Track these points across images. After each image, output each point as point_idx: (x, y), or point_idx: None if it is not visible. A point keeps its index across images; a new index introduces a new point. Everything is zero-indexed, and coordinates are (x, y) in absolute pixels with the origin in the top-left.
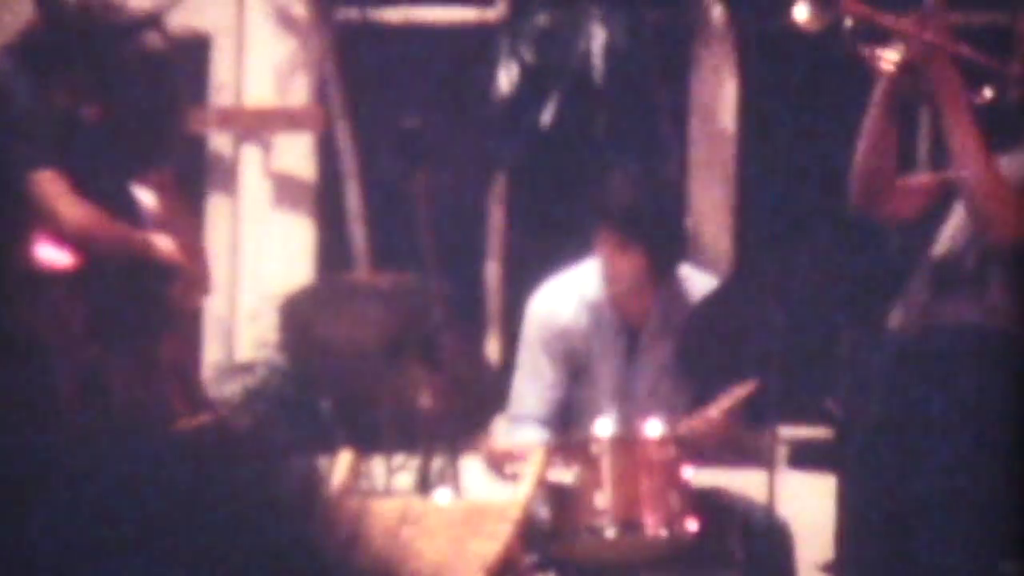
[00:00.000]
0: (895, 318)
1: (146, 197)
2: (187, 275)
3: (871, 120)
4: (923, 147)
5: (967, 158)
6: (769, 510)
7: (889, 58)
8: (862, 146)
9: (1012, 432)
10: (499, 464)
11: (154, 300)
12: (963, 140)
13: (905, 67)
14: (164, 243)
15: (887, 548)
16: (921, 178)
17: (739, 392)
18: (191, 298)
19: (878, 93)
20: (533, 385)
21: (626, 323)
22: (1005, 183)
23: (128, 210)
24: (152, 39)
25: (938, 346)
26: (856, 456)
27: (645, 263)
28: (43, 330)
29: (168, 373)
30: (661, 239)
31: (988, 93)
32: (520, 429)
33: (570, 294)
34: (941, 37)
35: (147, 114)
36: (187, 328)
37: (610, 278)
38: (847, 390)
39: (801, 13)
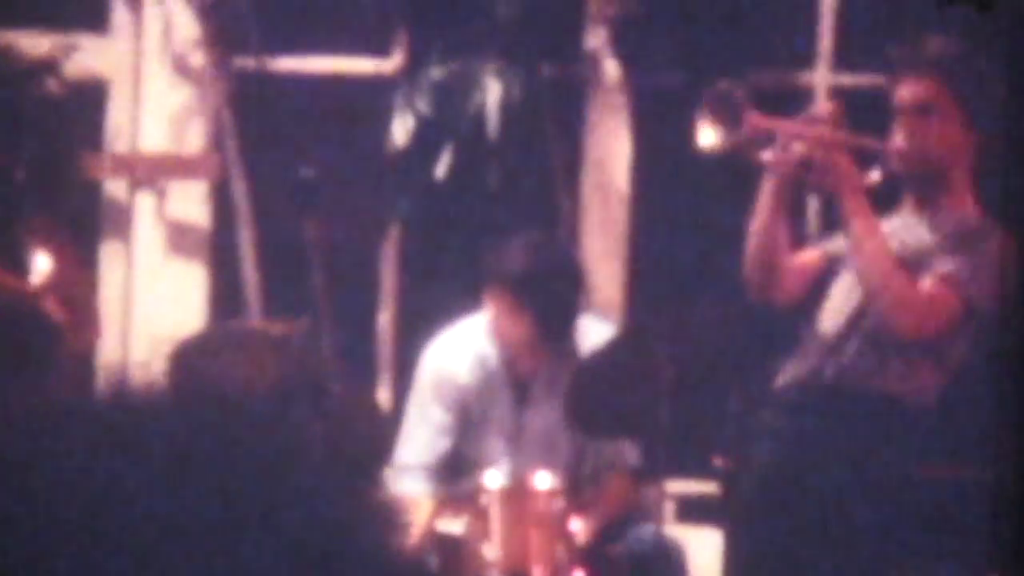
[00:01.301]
0: (785, 375)
1: (39, 257)
2: (74, 320)
3: (761, 215)
4: (812, 219)
5: (868, 254)
6: (658, 531)
7: (786, 158)
8: (753, 241)
9: (894, 489)
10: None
11: (42, 356)
12: (863, 234)
13: (802, 163)
14: (49, 299)
15: None
16: (810, 255)
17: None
18: (81, 343)
19: (768, 190)
20: (422, 432)
21: (518, 376)
22: (907, 280)
23: (18, 263)
24: (49, 84)
25: (826, 404)
26: (743, 509)
27: (535, 327)
28: None
29: None
30: (552, 307)
31: (876, 175)
32: (405, 478)
33: (463, 347)
34: (836, 133)
35: (45, 160)
36: (76, 372)
37: (499, 338)
38: (735, 446)
39: (707, 137)
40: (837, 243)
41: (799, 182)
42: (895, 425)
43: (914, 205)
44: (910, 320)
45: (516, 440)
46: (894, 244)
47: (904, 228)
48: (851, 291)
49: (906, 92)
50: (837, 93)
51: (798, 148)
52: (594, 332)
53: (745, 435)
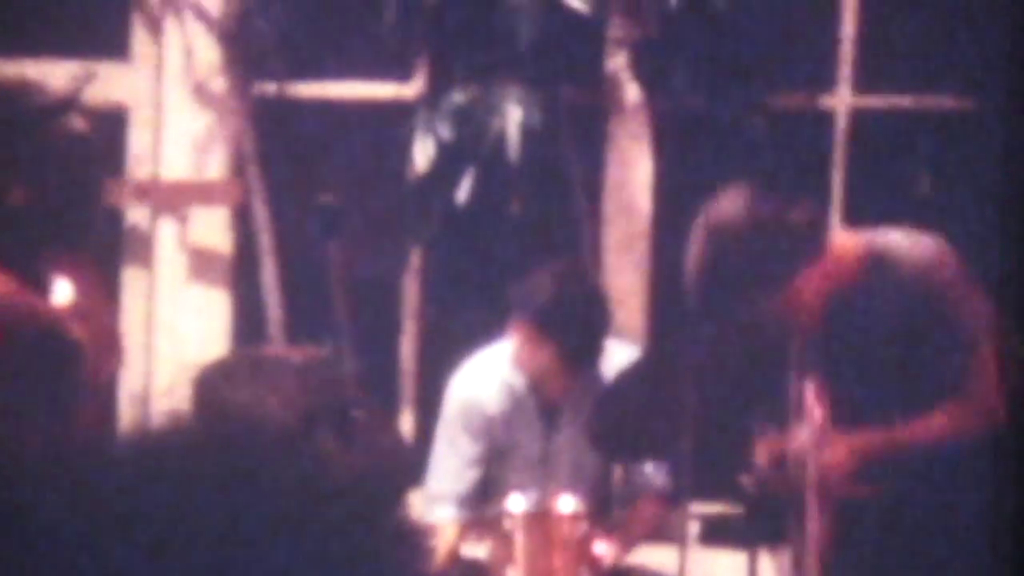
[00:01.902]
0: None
1: (61, 286)
2: (97, 347)
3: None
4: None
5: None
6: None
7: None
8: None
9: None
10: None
11: (66, 376)
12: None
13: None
14: (73, 322)
15: None
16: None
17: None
18: (104, 370)
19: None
20: (451, 463)
21: (545, 403)
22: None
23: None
24: (73, 120)
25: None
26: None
27: (560, 358)
28: None
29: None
30: (578, 339)
31: None
32: (437, 509)
33: (490, 375)
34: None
35: (71, 196)
36: (103, 401)
37: (523, 367)
38: (762, 466)
39: None
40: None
41: None
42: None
43: None
44: (993, 417)
45: (545, 466)
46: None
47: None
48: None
49: None
50: (856, 114)
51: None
52: (618, 355)
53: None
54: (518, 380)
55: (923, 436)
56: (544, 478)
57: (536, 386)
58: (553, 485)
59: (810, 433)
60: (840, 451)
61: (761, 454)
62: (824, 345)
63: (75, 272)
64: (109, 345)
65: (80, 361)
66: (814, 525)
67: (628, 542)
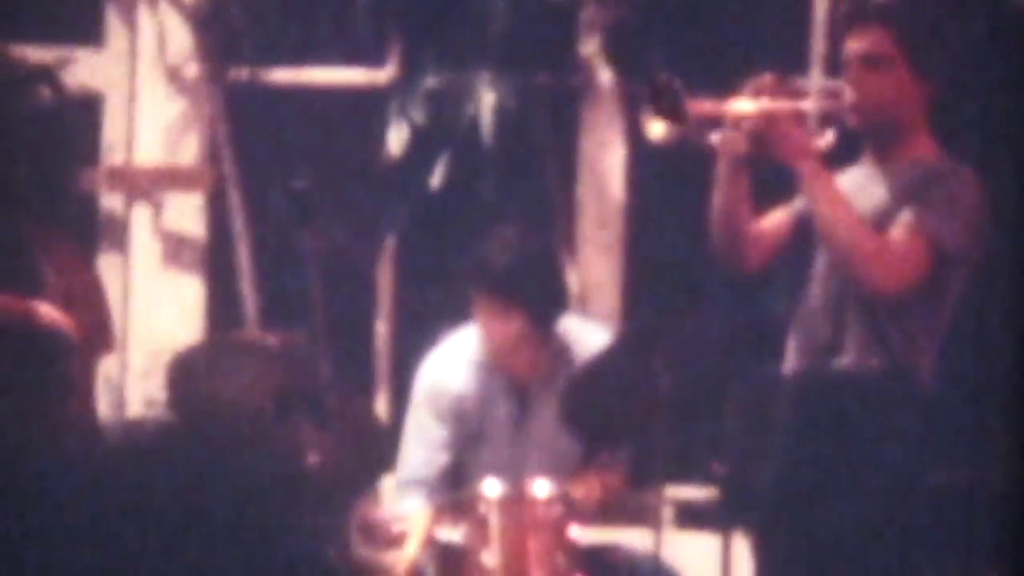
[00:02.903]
0: (788, 362)
1: (44, 256)
2: (88, 334)
3: (720, 194)
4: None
5: (830, 217)
6: (656, 561)
7: (735, 138)
8: (716, 217)
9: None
10: (369, 535)
11: (53, 366)
12: (822, 198)
13: (752, 139)
14: (47, 311)
15: None
16: (776, 218)
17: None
18: (95, 353)
19: (723, 169)
20: (421, 450)
21: (514, 383)
22: (873, 236)
23: (30, 273)
24: (43, 93)
25: (827, 393)
26: (766, 507)
27: (525, 325)
28: None
29: (70, 434)
30: (540, 300)
31: (830, 136)
32: (408, 495)
33: (458, 359)
34: (779, 103)
35: (38, 169)
36: (89, 387)
37: (490, 342)
38: (734, 451)
39: (655, 131)
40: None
41: (753, 157)
42: (901, 406)
43: (873, 158)
44: (882, 274)
45: (518, 447)
46: (860, 201)
47: (866, 182)
48: (827, 274)
49: (855, 44)
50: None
51: (746, 125)
52: (589, 336)
53: (749, 435)
54: (486, 362)
55: (834, 201)
56: (517, 462)
57: (505, 366)
58: (528, 467)
59: None
60: None
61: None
62: None
63: (56, 251)
64: (100, 331)
65: (69, 353)
66: None
67: (585, 512)
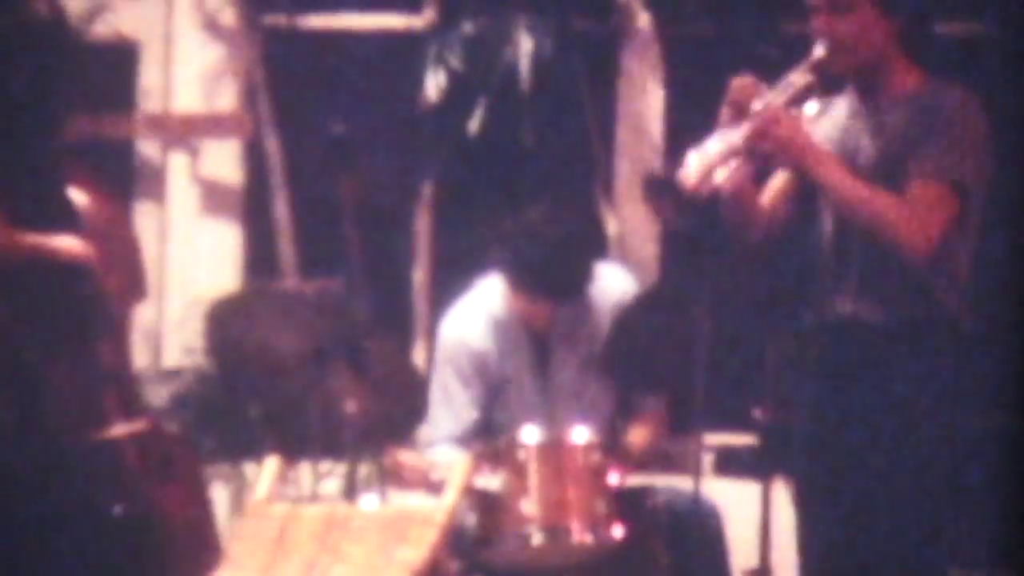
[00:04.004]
0: (820, 314)
1: (78, 197)
2: (113, 280)
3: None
4: None
5: (847, 200)
6: (695, 500)
7: (731, 171)
8: (727, 202)
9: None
10: (405, 477)
11: (89, 304)
12: (833, 184)
13: (751, 154)
14: (67, 243)
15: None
16: (775, 188)
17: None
18: (126, 301)
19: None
20: (447, 408)
21: (535, 334)
22: (895, 202)
23: (61, 210)
24: (38, 7)
25: (869, 337)
26: (807, 454)
27: (553, 305)
28: None
29: (104, 379)
30: (567, 290)
31: (815, 106)
32: (436, 450)
33: (477, 314)
34: (760, 113)
35: (29, 83)
36: (123, 334)
37: (519, 312)
38: (773, 397)
39: (672, 224)
40: None
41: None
42: (941, 349)
43: (860, 100)
44: (916, 238)
45: (544, 396)
46: (859, 147)
47: (860, 125)
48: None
49: None
50: None
51: (743, 149)
52: (609, 279)
53: (789, 381)
54: (505, 313)
55: (848, 185)
56: (547, 409)
57: (525, 318)
58: (557, 415)
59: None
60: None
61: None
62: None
63: (94, 199)
64: (133, 279)
65: (92, 287)
66: None
67: (630, 463)
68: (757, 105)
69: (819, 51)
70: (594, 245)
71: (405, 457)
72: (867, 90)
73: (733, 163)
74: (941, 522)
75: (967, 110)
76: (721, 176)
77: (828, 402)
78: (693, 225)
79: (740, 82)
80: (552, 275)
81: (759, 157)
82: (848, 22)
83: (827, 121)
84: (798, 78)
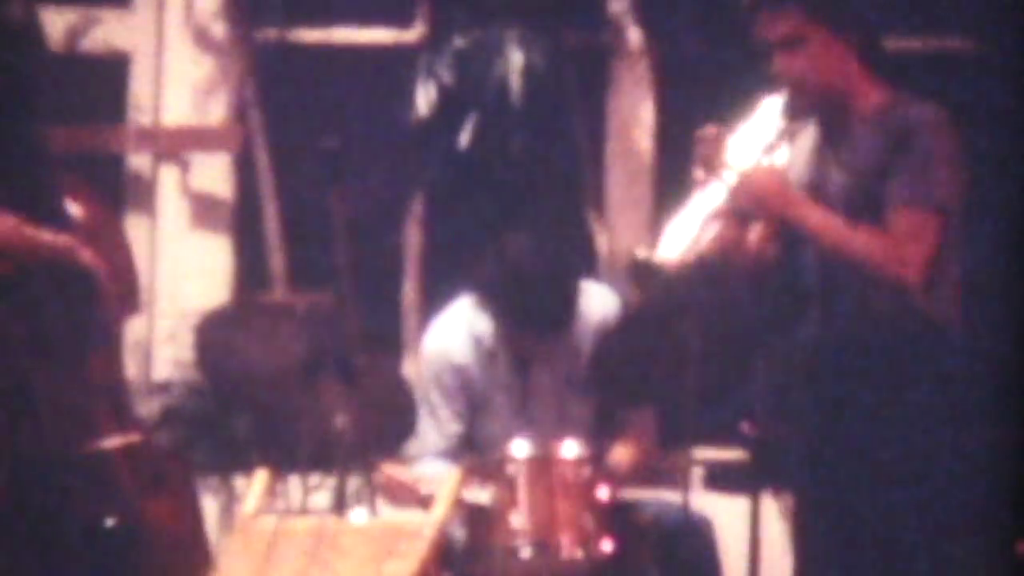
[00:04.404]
0: (807, 330)
1: (72, 208)
2: (113, 288)
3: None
4: None
5: (839, 245)
6: (684, 515)
7: (713, 233)
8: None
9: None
10: (393, 492)
11: (85, 314)
12: (821, 233)
13: (734, 212)
14: (85, 251)
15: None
16: (761, 225)
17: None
18: (120, 313)
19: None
20: (432, 422)
21: (517, 349)
22: (885, 239)
23: (59, 217)
24: (12, 9)
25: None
26: (800, 470)
27: (506, 332)
28: None
29: (97, 390)
30: (516, 320)
31: (786, 152)
32: (423, 465)
33: (459, 329)
34: (742, 173)
35: (3, 85)
36: (116, 345)
37: (500, 337)
38: (764, 412)
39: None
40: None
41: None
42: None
43: (830, 125)
44: (908, 269)
45: (525, 412)
46: (833, 180)
47: (832, 160)
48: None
49: (770, 31)
50: None
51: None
52: (592, 297)
53: (777, 399)
54: (486, 328)
55: (831, 229)
56: (526, 429)
57: (506, 342)
58: (539, 429)
59: None
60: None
61: None
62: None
63: (89, 210)
64: (126, 292)
65: (93, 290)
66: None
67: (619, 480)
68: (727, 155)
69: (783, 87)
70: (577, 277)
71: (394, 472)
72: (834, 116)
73: (715, 225)
74: (939, 536)
75: (938, 126)
76: (705, 239)
77: (825, 418)
78: (680, 297)
79: (705, 135)
80: (536, 314)
81: (740, 214)
82: (804, 56)
83: (796, 152)
84: (760, 122)
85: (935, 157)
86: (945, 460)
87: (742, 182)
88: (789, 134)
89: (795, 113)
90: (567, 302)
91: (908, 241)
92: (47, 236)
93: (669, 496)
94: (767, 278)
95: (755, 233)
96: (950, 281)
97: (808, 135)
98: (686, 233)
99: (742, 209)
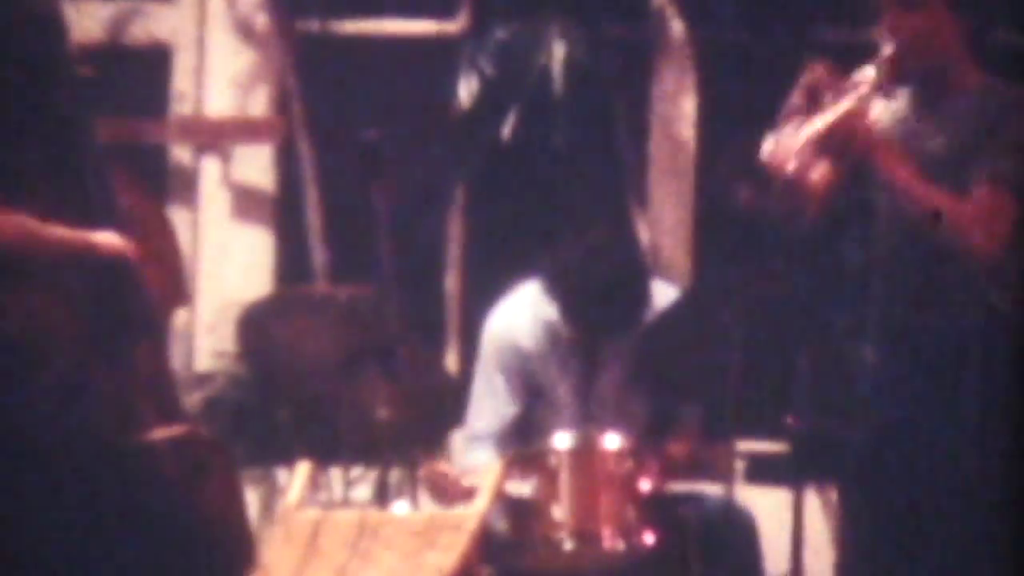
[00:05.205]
0: (874, 318)
1: (121, 200)
2: (157, 280)
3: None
4: None
5: (918, 201)
6: (728, 508)
7: (819, 169)
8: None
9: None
10: (439, 487)
11: (128, 306)
12: (906, 184)
13: (820, 148)
14: (105, 238)
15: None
16: (824, 168)
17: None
18: (167, 305)
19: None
20: (489, 403)
21: (585, 342)
22: (963, 204)
23: (106, 209)
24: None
25: (927, 342)
26: (857, 462)
27: (573, 328)
28: (23, 334)
29: (144, 383)
30: (623, 328)
31: (880, 104)
32: (475, 449)
33: (525, 312)
34: (835, 113)
35: (19, 74)
36: (162, 337)
37: (569, 333)
38: (808, 405)
39: (750, 203)
40: None
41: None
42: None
43: (922, 99)
44: (980, 239)
45: (586, 403)
46: (922, 145)
47: (921, 123)
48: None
49: None
50: None
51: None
52: (658, 293)
53: (827, 389)
54: (554, 316)
55: (919, 183)
56: (585, 417)
57: (575, 337)
58: (596, 423)
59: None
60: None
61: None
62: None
63: (138, 203)
64: (175, 284)
65: (134, 287)
66: None
67: (665, 475)
68: (829, 95)
69: (888, 48)
70: (648, 276)
71: (440, 468)
72: (930, 88)
73: (807, 151)
74: (988, 532)
75: None
76: (793, 165)
77: (882, 408)
78: (768, 207)
79: (816, 69)
80: (609, 314)
81: (834, 147)
82: (919, 19)
83: (886, 115)
84: (867, 75)
85: (1021, 141)
86: (1000, 454)
87: (847, 117)
88: (886, 92)
89: (894, 76)
90: (639, 305)
91: (989, 214)
92: (65, 233)
93: (712, 490)
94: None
95: (823, 177)
96: (1016, 269)
97: (902, 100)
98: (790, 146)
99: (839, 142)
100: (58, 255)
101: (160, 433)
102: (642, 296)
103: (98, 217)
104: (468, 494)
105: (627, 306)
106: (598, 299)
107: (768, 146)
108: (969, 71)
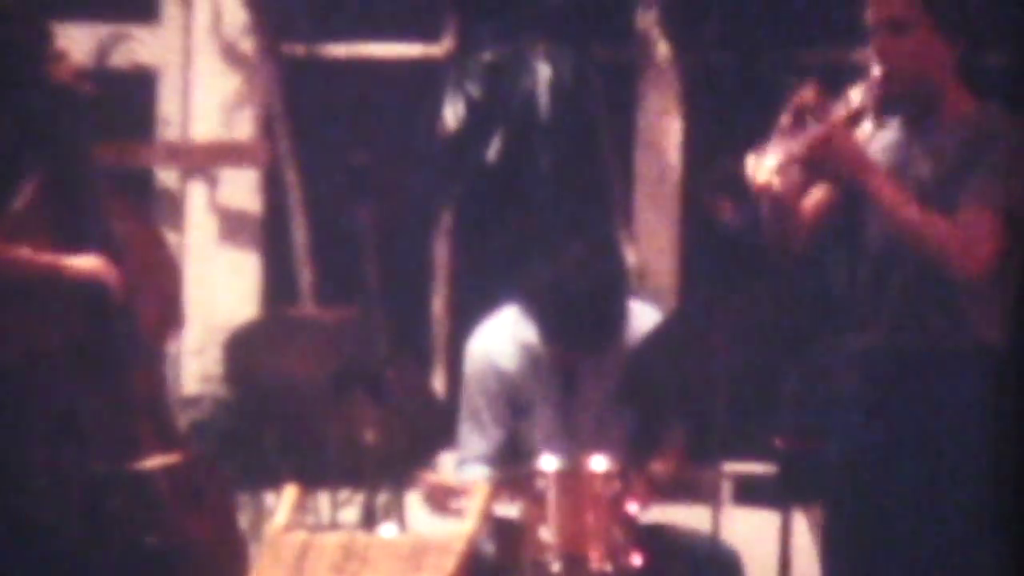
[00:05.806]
0: (856, 341)
1: (118, 225)
2: (150, 307)
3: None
4: None
5: (904, 220)
6: (714, 541)
7: (786, 178)
8: (767, 209)
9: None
10: (436, 498)
11: (125, 333)
12: (891, 204)
13: (806, 167)
14: (84, 262)
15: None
16: (818, 195)
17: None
18: (163, 330)
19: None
20: (475, 427)
21: (564, 362)
22: (948, 224)
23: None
24: (10, 28)
25: (908, 365)
26: (839, 483)
27: (548, 346)
28: (17, 360)
29: (139, 409)
30: (601, 346)
31: (868, 127)
32: (467, 470)
33: (504, 334)
34: (827, 125)
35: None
36: (158, 364)
37: (548, 353)
38: (794, 426)
39: (727, 219)
40: None
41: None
42: (981, 382)
43: (910, 123)
44: (965, 259)
45: (567, 424)
46: (909, 169)
47: (909, 149)
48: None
49: (879, 10)
50: None
51: (797, 158)
52: (640, 315)
53: (813, 411)
54: (533, 337)
55: (905, 205)
56: (568, 437)
57: (554, 357)
58: (578, 444)
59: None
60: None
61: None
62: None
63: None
64: (170, 308)
65: (125, 315)
66: None
67: (649, 496)
68: (817, 117)
69: (877, 71)
70: (626, 295)
71: (435, 479)
72: (920, 113)
73: (789, 170)
74: (976, 552)
75: (1018, 138)
76: (776, 182)
77: (862, 430)
78: (746, 225)
79: (805, 90)
80: (586, 333)
81: (816, 167)
82: (908, 43)
83: (877, 143)
84: (856, 97)
85: (1011, 165)
86: (987, 481)
87: (829, 136)
88: (874, 116)
89: (883, 99)
90: (617, 321)
91: (974, 235)
92: (43, 258)
93: (699, 512)
94: (812, 253)
95: (813, 201)
96: (1000, 300)
97: (890, 129)
98: (769, 163)
99: (821, 162)
100: (21, 278)
101: (156, 461)
102: (619, 313)
103: (90, 241)
104: (458, 515)
105: (603, 323)
106: (573, 316)
107: (750, 165)
108: (960, 95)
